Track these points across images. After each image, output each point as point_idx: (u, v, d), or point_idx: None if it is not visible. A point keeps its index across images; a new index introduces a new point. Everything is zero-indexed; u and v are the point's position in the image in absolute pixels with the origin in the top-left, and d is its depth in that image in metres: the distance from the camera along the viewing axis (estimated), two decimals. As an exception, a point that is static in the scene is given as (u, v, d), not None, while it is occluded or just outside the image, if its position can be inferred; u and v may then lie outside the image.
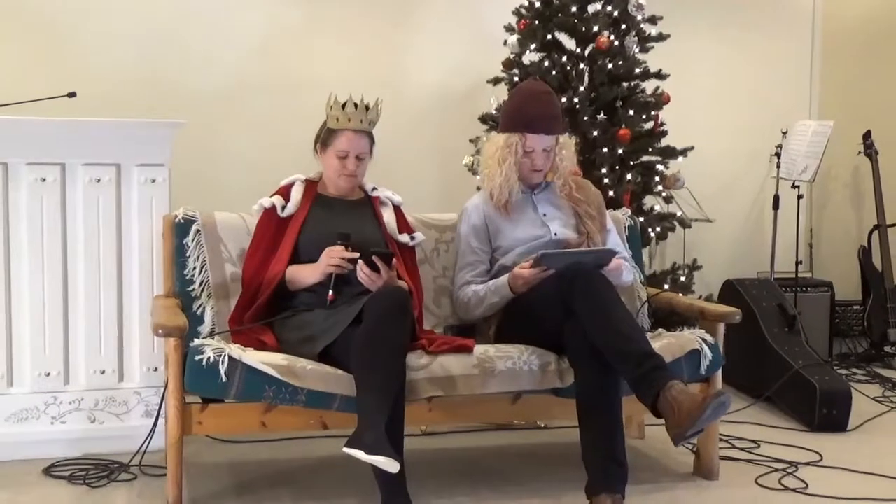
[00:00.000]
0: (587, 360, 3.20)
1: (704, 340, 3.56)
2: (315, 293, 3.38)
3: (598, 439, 3.16)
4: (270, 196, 3.54)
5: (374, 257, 3.27)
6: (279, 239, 3.47)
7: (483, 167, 3.78)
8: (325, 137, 3.52)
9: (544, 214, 3.71)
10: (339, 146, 3.48)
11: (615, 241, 3.82)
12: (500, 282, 3.55)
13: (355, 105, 3.45)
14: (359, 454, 2.85)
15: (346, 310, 3.24)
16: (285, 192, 3.55)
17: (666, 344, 3.50)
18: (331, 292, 3.32)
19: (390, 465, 2.85)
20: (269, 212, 3.52)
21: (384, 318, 3.09)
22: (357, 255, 3.29)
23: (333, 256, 3.33)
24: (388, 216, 3.62)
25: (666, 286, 4.80)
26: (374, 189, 3.67)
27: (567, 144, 3.76)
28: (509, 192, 3.68)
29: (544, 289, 3.37)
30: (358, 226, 3.48)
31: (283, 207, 3.50)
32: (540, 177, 3.74)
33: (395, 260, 3.35)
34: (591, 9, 4.84)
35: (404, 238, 3.61)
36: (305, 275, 3.39)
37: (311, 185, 3.59)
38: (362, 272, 3.28)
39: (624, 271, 3.65)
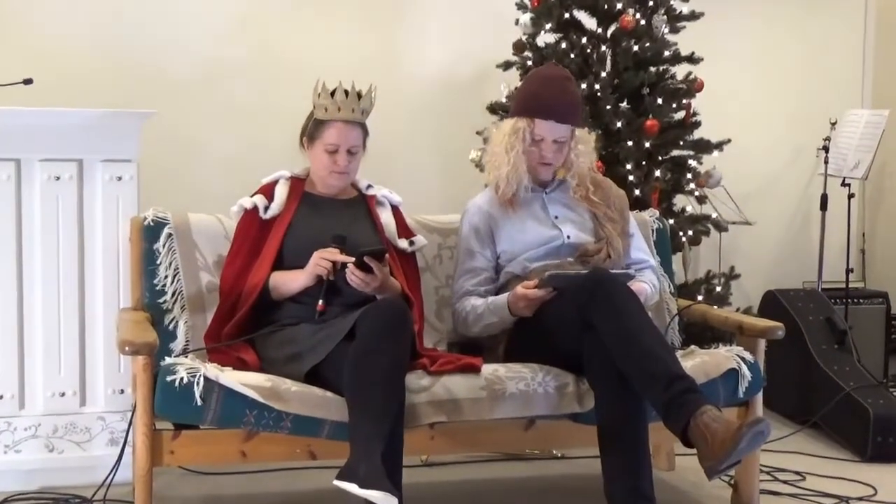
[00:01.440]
0: (609, 381, 3.21)
1: (743, 359, 3.56)
2: (302, 304, 3.39)
3: (623, 471, 3.16)
4: (252, 195, 3.56)
5: (365, 258, 3.28)
6: (262, 243, 3.49)
7: (488, 156, 3.79)
8: (311, 130, 3.53)
9: (556, 217, 3.72)
10: (328, 139, 3.49)
11: (640, 246, 3.83)
12: (500, 301, 3.55)
13: (346, 92, 3.47)
14: (351, 488, 2.85)
15: (336, 324, 3.25)
16: (268, 191, 3.56)
17: (699, 363, 3.51)
18: (321, 302, 3.33)
19: (387, 501, 2.84)
20: (251, 213, 3.53)
21: (381, 332, 3.10)
22: (352, 259, 3.31)
23: (325, 258, 3.34)
24: (386, 218, 3.63)
25: (699, 297, 4.81)
26: (369, 187, 3.68)
27: (584, 139, 3.76)
28: (517, 184, 3.68)
29: (560, 301, 3.37)
30: (351, 228, 3.49)
31: (266, 208, 3.52)
32: (549, 172, 3.74)
33: (387, 255, 3.37)
34: (614, -16, 4.86)
35: (403, 243, 3.62)
36: (291, 279, 3.40)
37: (297, 182, 3.60)
38: (354, 276, 3.30)
39: (648, 291, 3.65)
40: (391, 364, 3.08)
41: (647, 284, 3.67)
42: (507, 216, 3.71)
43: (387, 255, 3.38)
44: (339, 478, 2.89)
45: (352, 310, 3.26)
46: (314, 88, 3.49)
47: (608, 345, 3.19)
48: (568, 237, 3.67)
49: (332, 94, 3.47)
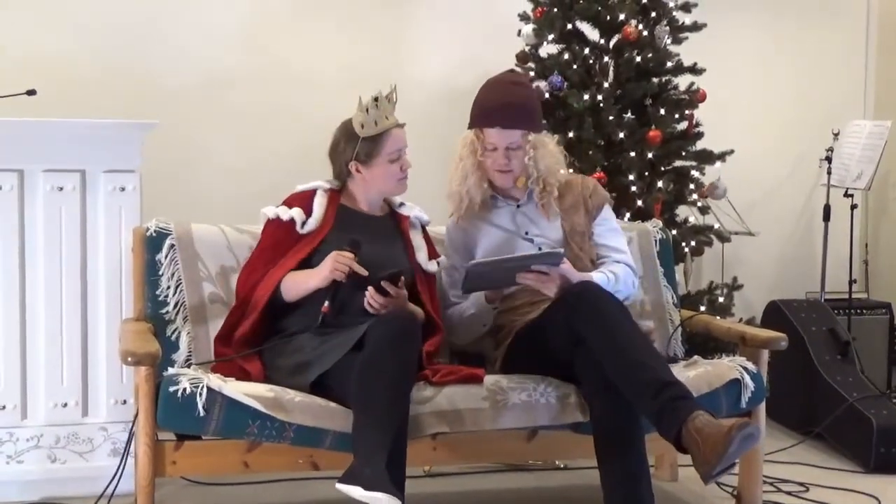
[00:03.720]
0: (601, 393, 3.20)
1: (746, 369, 3.56)
2: (304, 313, 3.38)
3: (621, 483, 3.15)
4: (288, 205, 3.51)
5: (383, 283, 3.27)
6: (288, 253, 3.46)
7: (449, 172, 3.74)
8: (368, 148, 3.47)
9: (526, 232, 3.68)
10: (391, 147, 3.49)
11: (608, 243, 3.71)
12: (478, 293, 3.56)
13: (386, 99, 3.45)
14: (355, 490, 2.83)
15: (344, 334, 3.25)
16: (305, 203, 3.52)
17: (702, 373, 3.51)
18: (326, 303, 3.30)
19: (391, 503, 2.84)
20: (286, 224, 3.48)
21: (390, 344, 3.10)
22: (366, 272, 3.30)
23: (342, 262, 3.31)
24: (418, 241, 3.61)
25: (702, 308, 4.81)
26: (401, 205, 3.66)
27: (541, 143, 3.66)
28: (473, 197, 3.65)
29: (551, 313, 3.37)
30: (384, 248, 3.46)
31: (304, 223, 3.48)
32: (507, 179, 3.66)
33: (402, 277, 3.35)
34: (616, -6, 4.87)
35: (432, 266, 3.60)
36: (303, 279, 3.37)
37: (333, 195, 3.56)
38: (373, 300, 3.28)
39: (603, 280, 3.54)
40: (398, 376, 3.09)
41: (605, 274, 3.58)
42: (480, 230, 3.69)
43: (402, 277, 3.35)
44: (342, 481, 2.87)
45: (358, 322, 3.26)
46: (358, 108, 3.45)
47: (597, 356, 3.19)
48: (540, 249, 3.62)
49: (376, 103, 3.44)
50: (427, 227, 3.73)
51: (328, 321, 3.31)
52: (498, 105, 3.59)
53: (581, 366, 3.26)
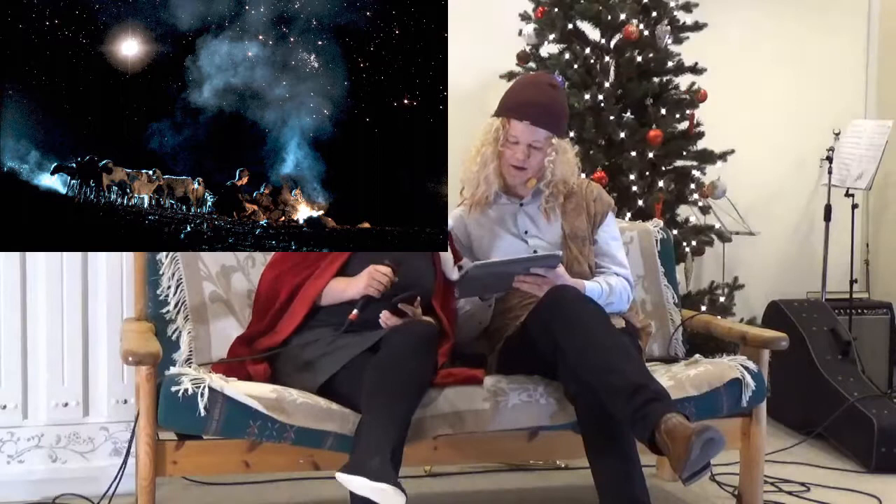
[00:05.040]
0: (583, 397, 3.20)
1: (747, 369, 3.56)
2: (328, 311, 3.38)
3: (614, 484, 3.14)
4: None
5: (399, 305, 3.28)
6: (323, 259, 3.46)
7: (464, 158, 3.68)
8: None
9: (525, 231, 3.67)
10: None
11: (608, 252, 3.70)
12: None
13: None
14: (359, 481, 2.79)
15: (356, 338, 3.25)
16: None
17: (703, 371, 3.51)
18: (356, 311, 3.30)
19: (396, 498, 2.81)
20: None
21: (410, 348, 3.11)
22: (396, 279, 3.31)
23: (379, 279, 3.32)
24: (446, 254, 3.59)
25: (703, 308, 4.81)
26: None
27: (562, 149, 3.63)
28: (486, 185, 3.62)
29: (534, 318, 3.35)
30: (415, 259, 3.45)
31: None
32: (520, 177, 3.64)
33: (418, 298, 3.35)
34: (617, -6, 4.87)
35: (455, 274, 3.56)
36: (341, 287, 3.39)
37: None
38: (389, 322, 3.29)
39: (597, 290, 3.54)
40: (417, 377, 3.10)
41: (600, 284, 3.57)
42: (481, 225, 3.69)
43: (418, 298, 3.35)
44: (345, 471, 2.82)
45: (372, 330, 3.26)
46: None
47: (573, 362, 3.18)
48: (535, 252, 3.62)
49: None
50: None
51: (354, 328, 3.30)
52: (532, 101, 3.57)
53: (563, 371, 3.26)
